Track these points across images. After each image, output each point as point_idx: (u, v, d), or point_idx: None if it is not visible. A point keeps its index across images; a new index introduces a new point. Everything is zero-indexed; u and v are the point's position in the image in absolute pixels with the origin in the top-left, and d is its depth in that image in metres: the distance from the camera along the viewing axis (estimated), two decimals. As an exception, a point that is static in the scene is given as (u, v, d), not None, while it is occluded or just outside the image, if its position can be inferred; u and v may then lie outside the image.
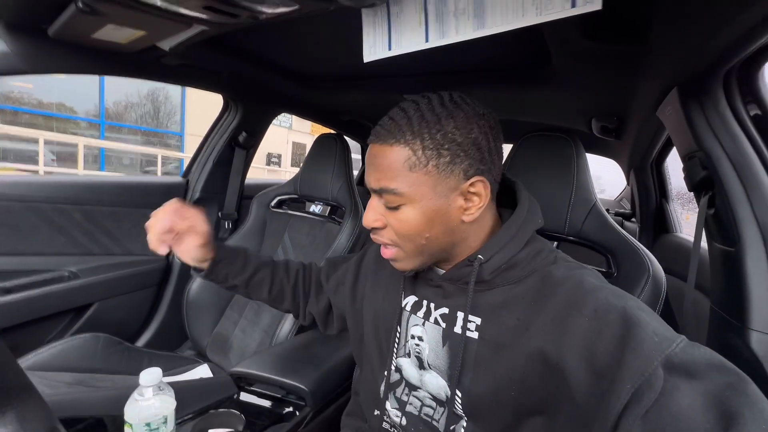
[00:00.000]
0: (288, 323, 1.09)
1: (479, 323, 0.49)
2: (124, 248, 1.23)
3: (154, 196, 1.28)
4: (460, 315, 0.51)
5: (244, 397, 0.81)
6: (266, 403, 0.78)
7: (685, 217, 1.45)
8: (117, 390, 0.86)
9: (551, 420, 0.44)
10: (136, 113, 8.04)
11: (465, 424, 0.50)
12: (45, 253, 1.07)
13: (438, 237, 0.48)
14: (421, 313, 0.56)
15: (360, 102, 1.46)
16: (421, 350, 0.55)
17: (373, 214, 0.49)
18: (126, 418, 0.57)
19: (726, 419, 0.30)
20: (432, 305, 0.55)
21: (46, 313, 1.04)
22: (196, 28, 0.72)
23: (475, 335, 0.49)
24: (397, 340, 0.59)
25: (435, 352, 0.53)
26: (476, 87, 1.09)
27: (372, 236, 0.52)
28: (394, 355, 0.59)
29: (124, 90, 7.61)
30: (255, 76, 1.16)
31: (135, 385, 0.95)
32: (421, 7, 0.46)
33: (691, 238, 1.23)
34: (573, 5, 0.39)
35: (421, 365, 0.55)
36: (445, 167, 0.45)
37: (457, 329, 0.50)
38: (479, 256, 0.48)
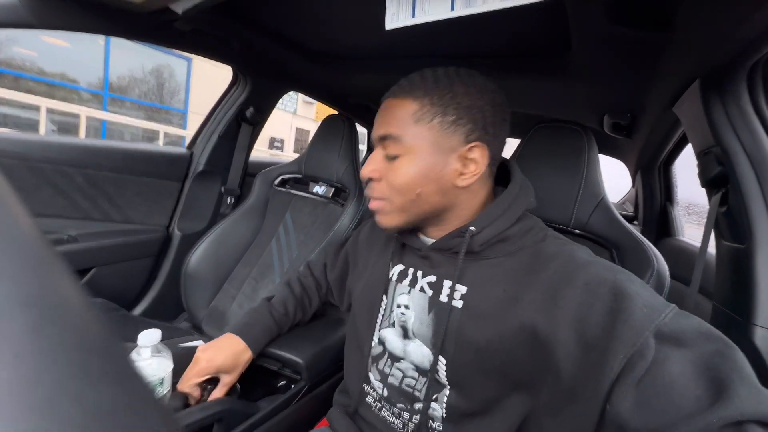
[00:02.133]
0: (286, 300, 1.09)
1: (464, 292, 0.50)
2: (125, 216, 1.22)
3: (157, 165, 1.27)
4: (447, 283, 0.51)
5: (240, 367, 0.80)
6: (262, 375, 0.78)
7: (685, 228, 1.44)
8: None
9: (535, 395, 0.45)
10: (139, 89, 7.95)
11: (447, 393, 0.50)
12: (44, 214, 1.06)
13: (429, 195, 0.49)
14: (407, 281, 0.57)
15: (369, 85, 1.44)
16: (407, 319, 0.55)
17: (372, 164, 0.50)
18: (122, 376, 0.57)
19: (716, 385, 0.31)
20: (419, 273, 0.55)
21: (43, 275, 1.04)
22: (211, -12, 0.70)
23: (459, 304, 0.49)
24: (382, 311, 0.59)
25: (420, 320, 0.53)
26: (488, 73, 1.07)
27: (365, 191, 0.54)
28: (378, 327, 0.59)
29: (128, 65, 7.51)
30: (266, 50, 1.14)
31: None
32: (449, -26, 0.45)
33: (693, 242, 1.23)
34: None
35: (406, 334, 0.55)
36: (447, 126, 0.47)
37: (443, 297, 0.51)
38: (471, 227, 0.49)
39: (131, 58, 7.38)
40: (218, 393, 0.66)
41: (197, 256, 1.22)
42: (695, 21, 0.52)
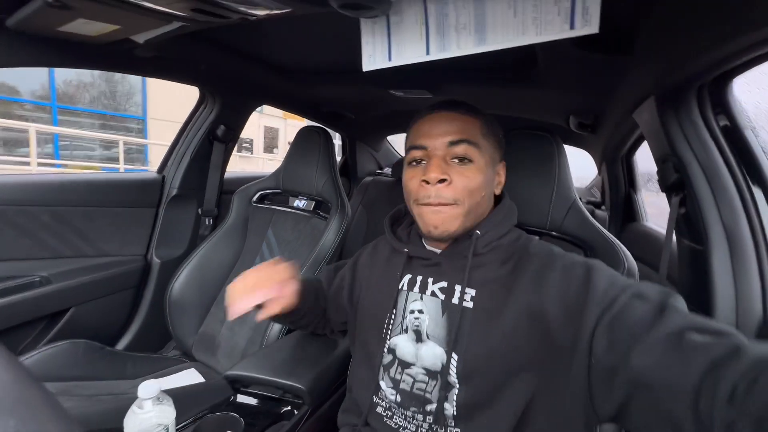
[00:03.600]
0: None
1: (473, 294, 0.56)
2: (99, 249, 1.17)
3: (128, 193, 1.22)
4: (458, 287, 0.57)
5: (241, 398, 0.81)
6: (263, 404, 0.79)
7: (645, 198, 1.54)
8: (111, 401, 0.84)
9: (538, 373, 0.50)
10: (90, 94, 7.45)
11: (457, 391, 0.55)
12: (11, 258, 1.00)
13: (484, 200, 0.58)
14: (416, 288, 0.62)
15: (342, 94, 1.43)
16: (421, 322, 0.59)
17: (440, 167, 0.54)
18: (126, 431, 0.57)
19: (661, 313, 0.41)
20: (429, 280, 0.61)
21: (17, 322, 0.99)
22: (176, 24, 0.68)
23: (470, 305, 0.56)
24: (392, 321, 0.63)
25: (435, 322, 0.58)
26: (459, 83, 1.09)
27: (424, 198, 0.56)
28: (388, 336, 0.63)
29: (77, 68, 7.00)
30: (234, 69, 1.11)
31: (123, 391, 0.93)
32: (422, 19, 0.46)
33: (656, 227, 1.32)
34: (572, 27, 0.40)
35: (419, 338, 0.59)
36: (495, 145, 0.59)
37: (455, 300, 0.57)
38: (476, 231, 0.57)
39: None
40: (270, 311, 0.61)
41: (180, 282, 1.20)
42: (653, 48, 0.56)
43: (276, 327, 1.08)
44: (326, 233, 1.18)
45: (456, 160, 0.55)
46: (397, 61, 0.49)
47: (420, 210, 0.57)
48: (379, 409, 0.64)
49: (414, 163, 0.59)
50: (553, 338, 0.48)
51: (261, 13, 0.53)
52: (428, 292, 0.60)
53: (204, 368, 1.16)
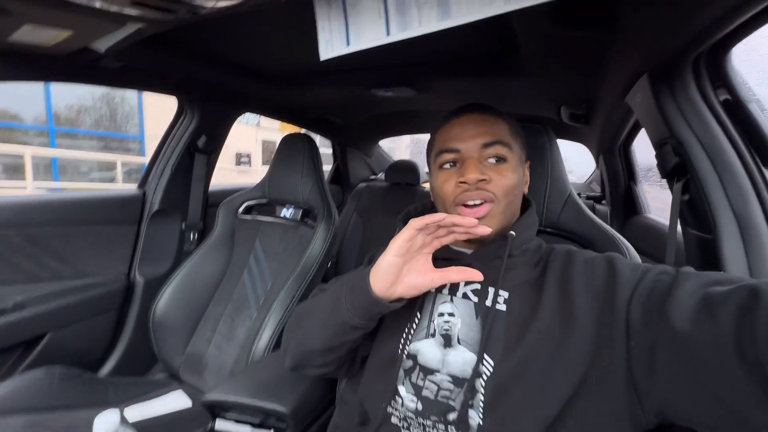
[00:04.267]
0: (265, 337, 1.03)
1: (507, 297, 0.55)
2: (77, 270, 1.12)
3: (107, 210, 1.18)
4: (491, 290, 0.56)
5: (220, 425, 0.75)
6: (245, 430, 0.73)
7: (647, 192, 1.49)
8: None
9: (575, 375, 0.47)
10: (91, 117, 7.52)
11: (483, 399, 0.51)
12: (-18, 284, 0.96)
13: (518, 197, 0.59)
14: (446, 290, 0.59)
15: (327, 98, 1.39)
16: (452, 326, 0.57)
17: (477, 169, 0.55)
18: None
19: (680, 277, 0.45)
20: (461, 284, 0.59)
21: (-10, 351, 0.94)
22: (131, 26, 0.64)
23: (503, 307, 0.54)
24: (415, 325, 0.59)
25: (468, 325, 0.56)
26: (444, 78, 1.05)
27: (465, 196, 0.56)
28: (409, 342, 0.59)
29: (77, 92, 7.08)
30: (211, 76, 1.07)
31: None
32: (380, -3, 0.41)
33: (660, 219, 1.26)
34: (543, -9, 0.36)
35: (448, 343, 0.56)
36: (521, 145, 0.61)
37: (488, 302, 0.56)
38: (511, 232, 0.57)
39: (78, 86, 6.97)
40: None
41: (164, 300, 1.15)
42: (637, 21, 0.51)
43: (262, 342, 1.02)
44: (313, 242, 1.13)
45: (492, 160, 0.57)
46: (357, 45, 0.45)
47: (460, 211, 0.57)
48: (394, 420, 0.58)
49: (447, 166, 0.59)
50: (586, 331, 0.48)
51: (209, 4, 0.49)
52: (459, 294, 0.58)
53: (192, 390, 1.10)
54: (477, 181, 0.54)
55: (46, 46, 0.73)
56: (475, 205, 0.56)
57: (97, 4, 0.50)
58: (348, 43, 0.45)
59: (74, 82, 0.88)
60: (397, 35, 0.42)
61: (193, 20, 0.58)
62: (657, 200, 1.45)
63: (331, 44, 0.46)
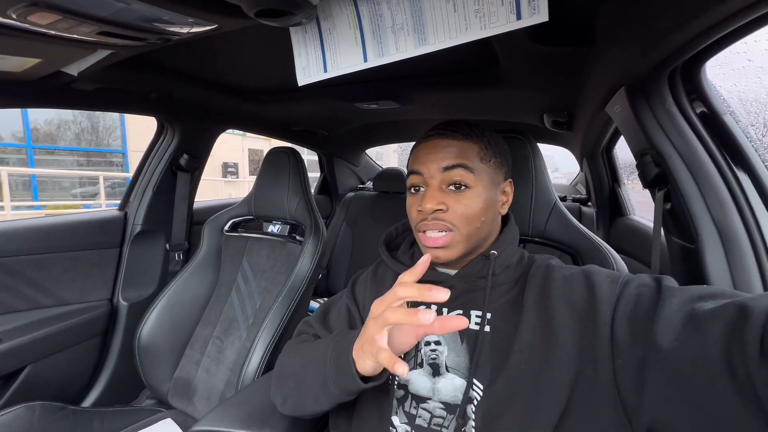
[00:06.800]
0: (255, 358, 1.01)
1: (489, 318, 0.54)
2: (57, 298, 1.08)
3: (86, 234, 1.14)
4: (474, 312, 0.55)
5: (209, 457, 0.73)
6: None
7: (631, 188, 1.50)
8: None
9: (562, 393, 0.46)
10: (72, 131, 7.35)
11: (474, 424, 0.50)
12: (-45, 318, 0.92)
13: (486, 224, 0.57)
14: None
15: (311, 112, 1.38)
16: (439, 354, 0.56)
17: (436, 197, 0.54)
18: None
19: (664, 292, 0.44)
20: (444, 309, 0.58)
21: (-36, 389, 0.90)
22: (102, 52, 0.62)
23: (488, 328, 0.54)
24: (403, 355, 0.58)
25: (455, 352, 0.55)
26: (427, 90, 1.05)
27: (423, 225, 0.55)
28: None
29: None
30: (189, 94, 1.05)
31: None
32: (355, 24, 0.41)
33: (644, 221, 1.28)
34: (518, 17, 0.36)
35: (437, 372, 0.55)
36: (497, 166, 0.58)
37: (473, 326, 0.55)
38: (492, 251, 0.56)
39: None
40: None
41: (150, 324, 1.11)
42: (612, 37, 0.52)
43: (252, 364, 1.00)
44: (301, 259, 1.11)
45: (452, 187, 0.55)
46: (334, 71, 0.44)
47: (420, 237, 0.57)
48: None
49: (413, 190, 0.59)
50: (567, 349, 0.47)
51: (182, 31, 0.48)
52: None
53: (181, 416, 1.07)
54: (432, 211, 0.53)
55: (14, 73, 0.71)
56: (436, 230, 0.55)
57: (63, 35, 0.48)
58: (326, 70, 0.44)
59: (47, 107, 0.85)
60: (375, 61, 0.42)
61: (168, 45, 0.56)
62: (642, 194, 1.47)
63: (308, 71, 0.45)
